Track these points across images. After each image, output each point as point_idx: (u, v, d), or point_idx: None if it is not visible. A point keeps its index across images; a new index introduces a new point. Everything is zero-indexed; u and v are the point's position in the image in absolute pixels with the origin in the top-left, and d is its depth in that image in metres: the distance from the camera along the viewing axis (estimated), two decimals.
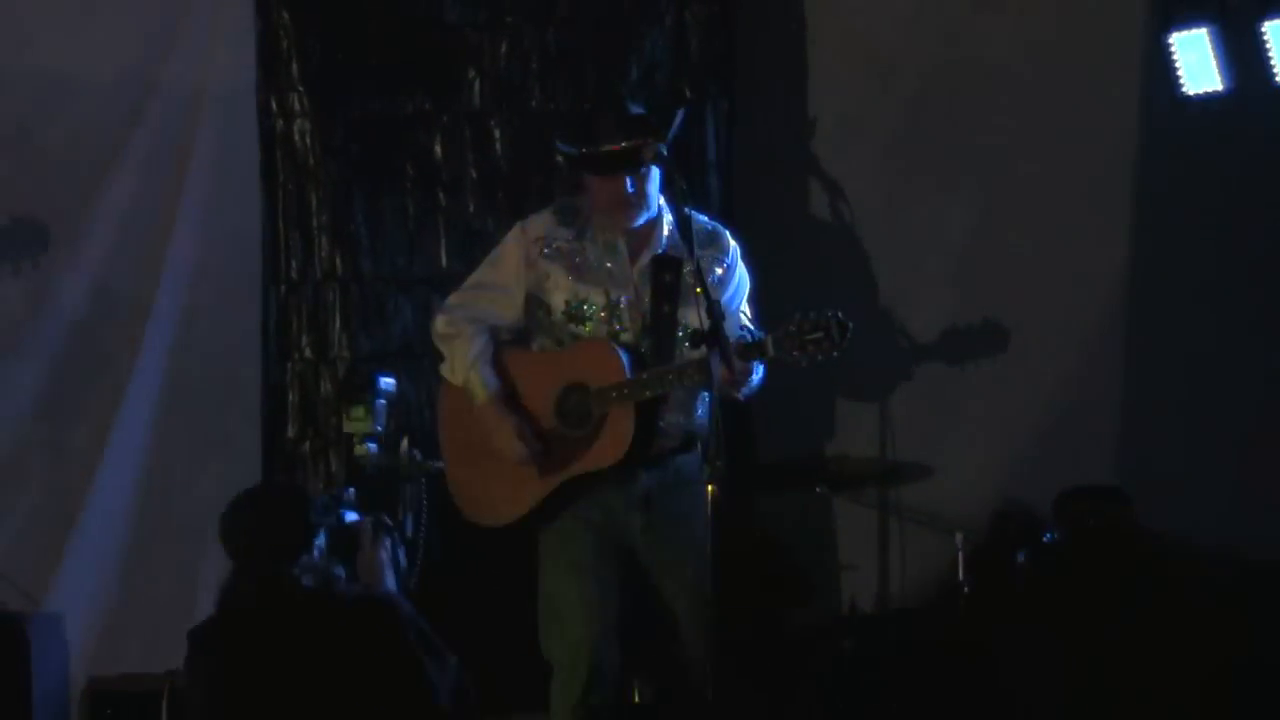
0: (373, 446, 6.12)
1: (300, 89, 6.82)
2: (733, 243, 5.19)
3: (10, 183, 6.77)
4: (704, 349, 4.70)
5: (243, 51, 6.83)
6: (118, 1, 6.88)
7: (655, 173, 5.04)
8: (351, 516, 5.94)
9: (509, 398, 5.05)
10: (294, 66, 6.81)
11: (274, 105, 6.81)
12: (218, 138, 6.84)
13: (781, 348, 4.82)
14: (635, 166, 4.98)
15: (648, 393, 4.90)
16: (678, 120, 5.06)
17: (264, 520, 4.59)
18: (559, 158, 5.34)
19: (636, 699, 5.89)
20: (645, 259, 5.06)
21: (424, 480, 6.10)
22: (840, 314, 4.80)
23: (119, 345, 6.83)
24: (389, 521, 5.31)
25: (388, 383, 6.19)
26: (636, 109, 5.08)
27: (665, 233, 5.07)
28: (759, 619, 6.32)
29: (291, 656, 4.44)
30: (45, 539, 6.77)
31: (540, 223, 5.15)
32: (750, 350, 4.89)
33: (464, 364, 5.07)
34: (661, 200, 5.10)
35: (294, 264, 6.81)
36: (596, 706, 4.95)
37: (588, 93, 6.79)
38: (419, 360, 6.72)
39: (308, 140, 6.82)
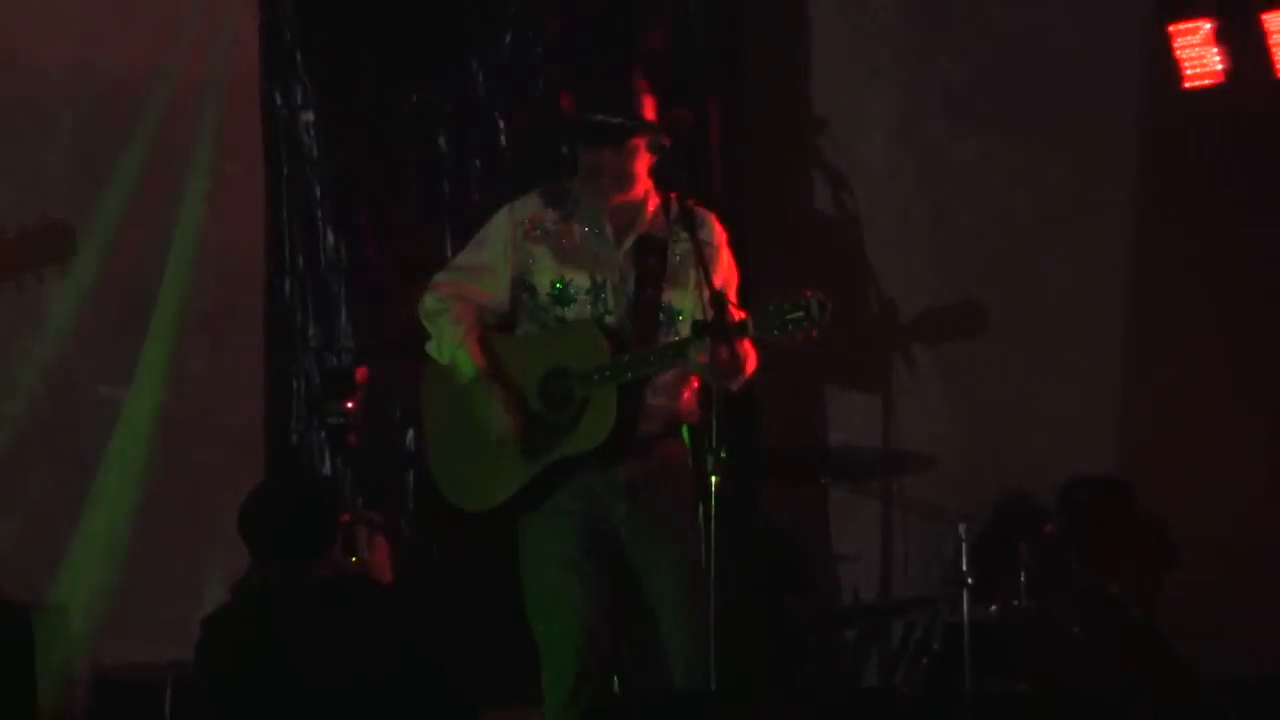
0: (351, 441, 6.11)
1: (304, 79, 6.81)
2: (718, 228, 5.10)
3: (18, 179, 6.77)
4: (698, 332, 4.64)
5: (246, 41, 6.83)
6: None
7: (645, 153, 5.00)
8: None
9: (496, 372, 5.00)
10: (297, 56, 6.80)
11: (277, 96, 6.80)
12: (221, 128, 6.83)
13: (761, 327, 4.73)
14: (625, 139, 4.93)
15: (629, 375, 4.84)
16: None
17: (289, 515, 4.55)
18: (575, 123, 5.09)
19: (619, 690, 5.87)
20: (630, 241, 5.01)
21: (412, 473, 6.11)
22: (821, 295, 4.69)
23: (123, 337, 6.83)
24: (379, 519, 5.28)
25: (363, 376, 6.17)
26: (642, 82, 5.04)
27: (650, 215, 5.03)
28: (761, 609, 6.33)
29: (304, 650, 4.44)
30: (49, 530, 6.77)
31: (528, 206, 5.11)
32: (731, 331, 4.81)
33: (451, 341, 5.02)
34: (650, 184, 5.06)
35: (299, 255, 6.80)
36: (588, 699, 4.92)
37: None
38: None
39: (311, 131, 6.81)
